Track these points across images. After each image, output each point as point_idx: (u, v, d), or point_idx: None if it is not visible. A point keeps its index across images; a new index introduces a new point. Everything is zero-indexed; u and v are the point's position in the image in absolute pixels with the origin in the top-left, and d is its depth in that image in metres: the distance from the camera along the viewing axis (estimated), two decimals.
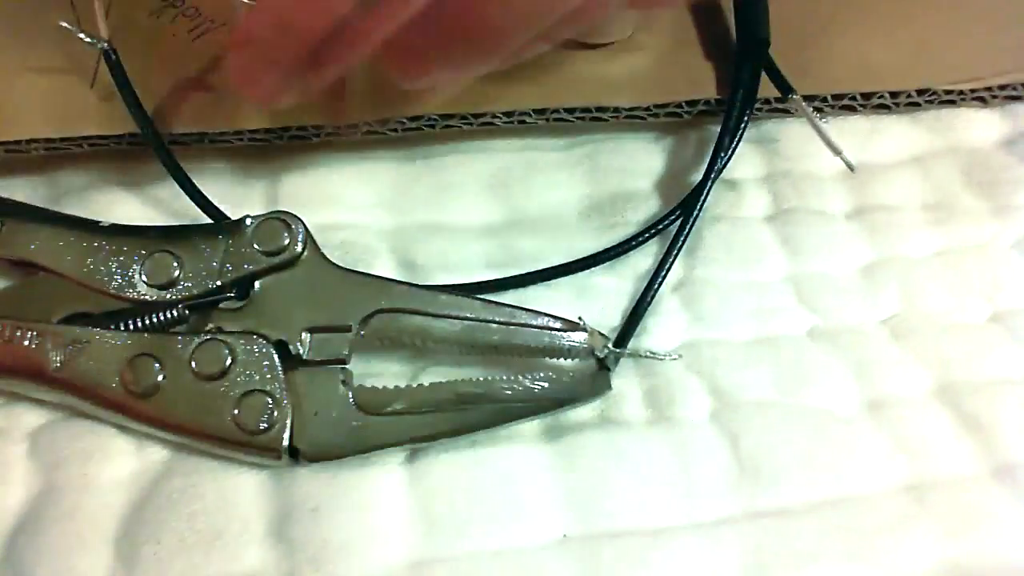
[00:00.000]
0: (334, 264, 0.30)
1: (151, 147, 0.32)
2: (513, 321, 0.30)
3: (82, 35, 0.31)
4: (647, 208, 0.35)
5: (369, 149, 0.35)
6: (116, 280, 0.30)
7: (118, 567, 0.27)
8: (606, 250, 0.33)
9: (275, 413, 0.28)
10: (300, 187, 0.34)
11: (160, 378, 0.28)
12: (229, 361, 0.29)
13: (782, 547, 0.27)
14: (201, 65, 0.34)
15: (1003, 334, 0.32)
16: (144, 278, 0.30)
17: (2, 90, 0.33)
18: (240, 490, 0.28)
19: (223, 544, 0.27)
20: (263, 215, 0.31)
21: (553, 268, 0.32)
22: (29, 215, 0.31)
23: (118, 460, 0.29)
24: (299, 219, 0.30)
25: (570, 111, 0.34)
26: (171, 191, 0.33)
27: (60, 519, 0.27)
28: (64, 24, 0.31)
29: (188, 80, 0.34)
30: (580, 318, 0.28)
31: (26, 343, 0.29)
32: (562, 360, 0.30)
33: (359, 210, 0.34)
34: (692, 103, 0.35)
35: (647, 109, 0.34)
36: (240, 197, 0.34)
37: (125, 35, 0.33)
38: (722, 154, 0.33)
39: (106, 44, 0.31)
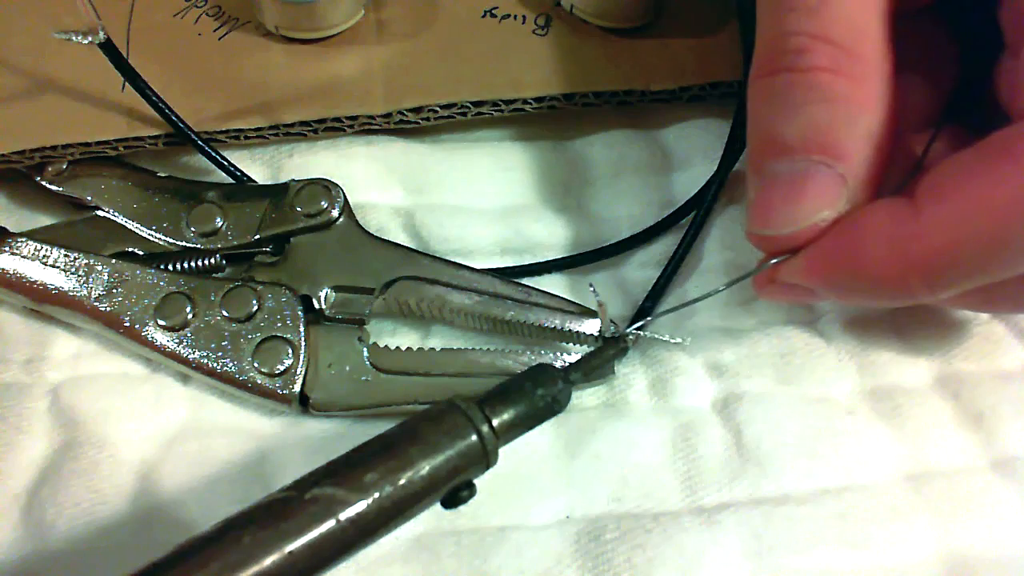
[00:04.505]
0: (366, 231, 0.32)
1: (186, 144, 0.33)
2: (528, 300, 0.31)
3: (76, 37, 0.30)
4: (660, 198, 0.35)
5: (381, 131, 0.35)
6: (164, 225, 0.32)
7: (137, 522, 0.28)
8: (618, 242, 0.34)
9: (292, 360, 0.29)
10: (311, 166, 0.34)
11: (190, 316, 0.30)
12: (255, 307, 0.30)
13: (782, 533, 0.27)
14: (229, 63, 0.35)
15: (1005, 329, 0.32)
16: (190, 226, 0.32)
17: (34, 96, 0.33)
18: (252, 453, 0.29)
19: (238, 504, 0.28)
20: (306, 180, 0.32)
21: (564, 259, 0.33)
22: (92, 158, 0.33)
23: (135, 421, 0.30)
24: (339, 187, 0.32)
25: (597, 95, 0.35)
26: None
27: (80, 474, 0.28)
28: (56, 33, 0.30)
29: (217, 78, 0.34)
30: (591, 285, 0.28)
31: (72, 271, 0.30)
32: (570, 344, 0.31)
33: (373, 189, 0.35)
34: (715, 85, 0.35)
35: (672, 92, 0.35)
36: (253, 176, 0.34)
37: (150, 37, 0.35)
38: (734, 146, 0.34)
39: (101, 37, 0.30)
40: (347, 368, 0.30)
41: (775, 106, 0.26)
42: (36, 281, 0.30)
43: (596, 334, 0.30)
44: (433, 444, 0.24)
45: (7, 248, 0.30)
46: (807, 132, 0.25)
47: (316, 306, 0.30)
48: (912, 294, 0.26)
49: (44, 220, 0.33)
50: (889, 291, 0.26)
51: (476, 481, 0.25)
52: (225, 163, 0.33)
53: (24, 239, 0.31)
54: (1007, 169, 0.23)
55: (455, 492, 0.24)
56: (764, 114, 0.27)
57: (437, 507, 0.24)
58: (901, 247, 0.24)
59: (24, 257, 0.30)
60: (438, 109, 0.34)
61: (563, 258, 0.33)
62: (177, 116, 0.32)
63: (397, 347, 0.30)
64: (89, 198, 0.33)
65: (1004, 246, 0.24)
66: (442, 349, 0.30)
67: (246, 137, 0.34)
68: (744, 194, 0.35)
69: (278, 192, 0.32)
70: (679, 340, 0.30)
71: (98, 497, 0.28)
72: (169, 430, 0.30)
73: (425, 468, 0.23)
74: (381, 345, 0.30)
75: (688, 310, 0.30)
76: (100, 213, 0.32)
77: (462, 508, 0.25)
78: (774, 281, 0.28)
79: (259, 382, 0.29)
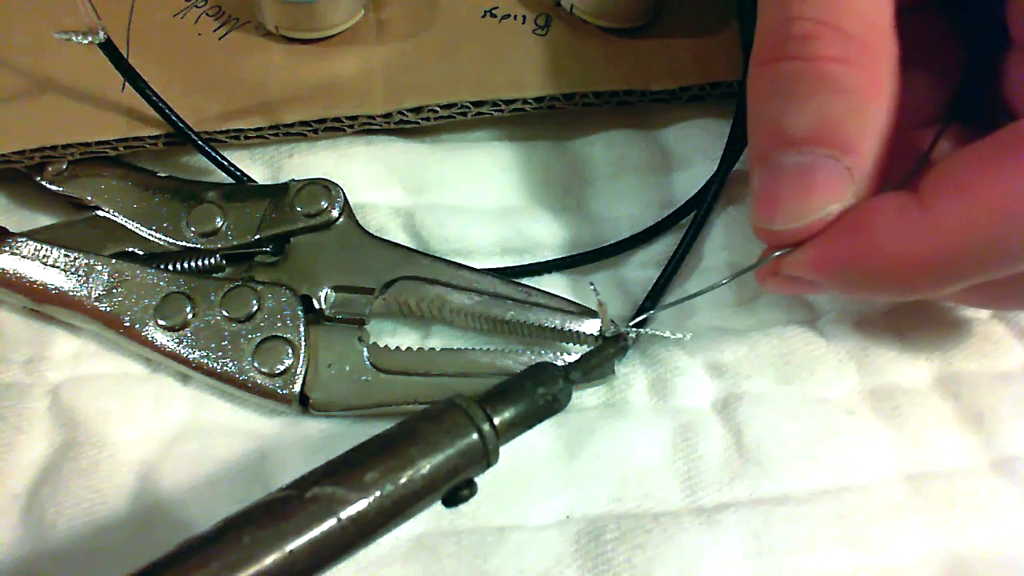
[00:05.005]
0: (366, 231, 0.32)
1: (186, 144, 0.33)
2: (528, 300, 0.31)
3: (76, 37, 0.30)
4: (660, 198, 0.35)
5: (381, 131, 0.35)
6: (164, 225, 0.32)
7: (137, 522, 0.28)
8: (618, 242, 0.34)
9: (292, 360, 0.29)
10: (311, 166, 0.34)
11: (190, 316, 0.30)
12: (255, 307, 0.30)
13: (782, 533, 0.27)
14: (229, 63, 0.34)
15: (1005, 329, 0.32)
16: (190, 226, 0.32)
17: (34, 96, 0.33)
18: (252, 453, 0.29)
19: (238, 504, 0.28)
20: (307, 180, 0.32)
21: (564, 259, 0.33)
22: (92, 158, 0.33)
23: (135, 421, 0.30)
24: (339, 187, 0.32)
25: (597, 95, 0.35)
26: None
27: (80, 474, 0.28)
28: (57, 34, 0.30)
29: (217, 78, 0.34)
30: (592, 284, 0.28)
31: (72, 271, 0.30)
32: (570, 344, 0.31)
33: (373, 189, 0.35)
34: (715, 85, 0.35)
35: (672, 92, 0.35)
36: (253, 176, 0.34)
37: (150, 37, 0.35)
38: (734, 146, 0.34)
39: (101, 37, 0.30)
40: (347, 368, 0.30)
41: (780, 95, 0.25)
42: (36, 281, 0.30)
43: (596, 334, 0.30)
44: (433, 443, 0.24)
45: (7, 248, 0.30)
46: (815, 124, 0.25)
47: (316, 306, 0.30)
48: (918, 289, 0.25)
49: (44, 220, 0.33)
50: (894, 285, 0.26)
51: (476, 481, 0.25)
52: (225, 163, 0.33)
53: (24, 239, 0.31)
54: (1017, 165, 0.23)
55: (456, 491, 0.24)
56: (768, 103, 0.26)
57: (437, 507, 0.24)
58: (909, 241, 0.24)
59: (24, 257, 0.30)
60: (438, 109, 0.34)
61: (563, 258, 0.33)
62: (177, 116, 0.32)
63: (397, 347, 0.30)
64: (89, 198, 0.33)
65: (1011, 242, 0.23)
66: (442, 349, 0.30)
67: (246, 137, 0.34)
68: (745, 194, 0.35)
69: (278, 192, 0.32)
70: (680, 335, 0.30)
71: (98, 497, 0.28)
72: (169, 430, 0.30)
73: (426, 467, 0.23)
74: (381, 345, 0.30)
75: (688, 309, 0.30)
76: (100, 213, 0.32)
77: (462, 507, 0.24)
78: (777, 273, 0.27)
79: (259, 382, 0.29)
